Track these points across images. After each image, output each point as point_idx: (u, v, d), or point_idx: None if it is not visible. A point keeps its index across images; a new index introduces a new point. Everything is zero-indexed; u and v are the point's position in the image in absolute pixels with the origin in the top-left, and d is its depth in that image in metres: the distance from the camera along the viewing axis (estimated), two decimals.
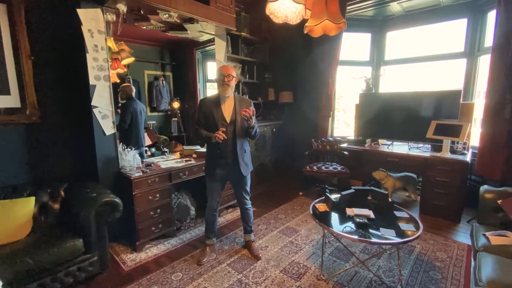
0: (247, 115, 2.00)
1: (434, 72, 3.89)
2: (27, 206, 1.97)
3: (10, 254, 1.66)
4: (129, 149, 2.54)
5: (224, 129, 2.04)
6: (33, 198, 2.03)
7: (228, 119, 2.13)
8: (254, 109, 2.24)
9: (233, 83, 2.12)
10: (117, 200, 2.03)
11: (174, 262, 2.26)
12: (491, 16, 3.20)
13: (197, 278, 2.06)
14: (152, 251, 2.42)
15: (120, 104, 3.65)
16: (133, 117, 3.39)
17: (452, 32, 3.66)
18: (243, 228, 2.48)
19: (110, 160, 2.44)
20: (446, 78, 3.87)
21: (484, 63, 3.28)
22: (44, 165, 2.33)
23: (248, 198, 2.36)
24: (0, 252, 1.66)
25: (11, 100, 2.14)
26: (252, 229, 2.46)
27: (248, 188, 2.33)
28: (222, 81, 2.08)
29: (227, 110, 2.15)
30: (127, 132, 3.41)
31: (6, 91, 2.12)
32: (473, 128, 3.26)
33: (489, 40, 3.17)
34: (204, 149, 3.07)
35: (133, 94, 3.47)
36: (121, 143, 3.18)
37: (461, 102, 3.08)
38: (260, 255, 2.34)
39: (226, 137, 2.02)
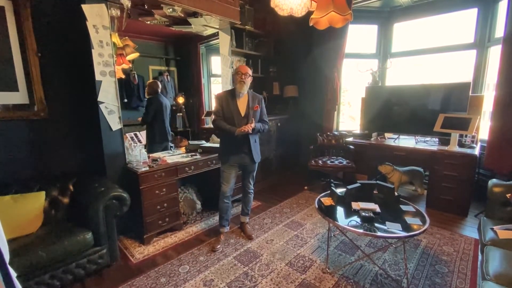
0: (245, 130, 2.21)
1: (443, 64, 3.82)
2: (37, 200, 2.02)
3: (23, 247, 1.70)
4: (135, 144, 2.56)
5: (253, 124, 2.25)
6: (43, 193, 2.07)
7: (242, 113, 2.34)
8: (264, 105, 2.48)
9: (248, 81, 2.33)
10: (125, 194, 2.06)
11: (181, 255, 2.30)
12: (503, 5, 3.10)
13: (204, 270, 2.09)
14: (160, 244, 2.47)
15: (146, 99, 3.78)
16: (157, 111, 3.50)
17: (462, 23, 3.57)
18: (241, 210, 2.70)
19: (117, 155, 2.48)
20: (455, 70, 3.79)
21: (495, 54, 3.19)
22: (53, 160, 2.37)
23: (252, 183, 2.60)
24: (13, 245, 1.71)
25: (19, 97, 2.17)
26: (249, 213, 2.70)
27: (254, 175, 2.59)
28: (240, 78, 2.28)
29: (242, 104, 2.35)
30: (153, 126, 3.53)
31: (14, 88, 2.15)
32: (482, 121, 3.19)
33: (500, 30, 3.08)
34: (209, 144, 3.09)
35: (159, 90, 3.58)
36: (148, 137, 3.27)
37: (470, 94, 3.02)
38: (253, 235, 2.57)
39: (250, 130, 2.22)
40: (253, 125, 2.25)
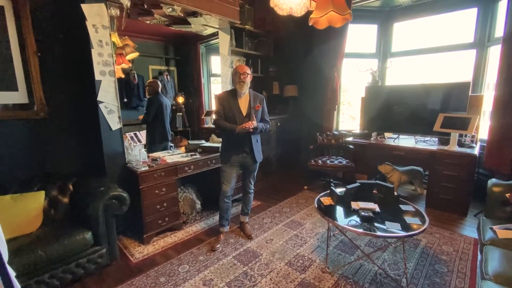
0: (246, 127, 2.20)
1: (443, 63, 3.81)
2: (37, 200, 2.02)
3: (23, 246, 1.71)
4: (135, 144, 2.57)
5: (254, 122, 2.24)
6: (43, 192, 2.07)
7: (244, 113, 2.33)
8: (265, 105, 2.48)
9: (248, 79, 2.31)
10: (124, 194, 2.07)
11: (181, 254, 2.30)
12: (502, 5, 3.10)
13: (204, 270, 2.10)
14: (159, 243, 2.47)
15: (147, 99, 3.77)
16: (158, 111, 3.50)
17: (462, 22, 3.56)
18: (241, 210, 2.71)
19: (117, 155, 2.48)
20: (454, 69, 3.79)
21: (494, 54, 3.19)
22: (52, 160, 2.37)
23: (252, 183, 2.60)
24: (13, 244, 1.71)
25: (19, 96, 2.18)
26: (249, 212, 2.70)
27: (255, 174, 2.57)
28: (239, 79, 2.27)
29: (243, 104, 2.35)
30: (153, 126, 3.53)
31: (14, 87, 2.15)
32: (482, 121, 3.19)
33: (499, 30, 3.08)
34: (209, 144, 3.09)
35: (160, 90, 3.58)
36: (148, 137, 3.25)
37: (470, 94, 3.02)
38: (253, 235, 2.57)
39: (252, 128, 2.20)
40: (254, 123, 2.23)
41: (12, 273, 0.77)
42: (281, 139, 4.28)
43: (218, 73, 4.22)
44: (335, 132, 3.94)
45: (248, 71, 2.30)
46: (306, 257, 2.24)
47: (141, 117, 3.69)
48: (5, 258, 0.77)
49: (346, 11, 1.81)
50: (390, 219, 1.93)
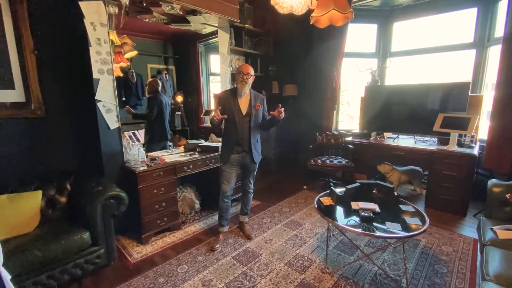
0: (279, 116, 2.25)
1: (442, 63, 3.81)
2: (34, 199, 1.99)
3: (19, 246, 1.68)
4: (133, 143, 2.55)
5: (218, 112, 2.22)
6: (40, 192, 2.05)
7: (244, 112, 2.32)
8: (266, 105, 2.49)
9: (250, 80, 2.30)
10: (123, 194, 2.05)
11: (180, 254, 2.29)
12: (502, 5, 3.10)
13: (203, 270, 2.08)
14: (158, 243, 2.45)
15: (147, 98, 3.76)
16: (158, 110, 3.48)
17: (461, 22, 3.56)
18: (240, 209, 2.69)
19: (115, 154, 2.45)
20: (454, 69, 3.79)
21: (494, 54, 3.19)
22: (50, 159, 2.34)
23: (252, 183, 2.58)
24: (9, 245, 1.69)
25: (16, 95, 2.15)
26: (248, 212, 2.69)
27: (254, 174, 2.56)
28: (241, 78, 2.26)
29: (244, 103, 2.34)
30: (152, 125, 3.51)
31: (11, 86, 2.12)
32: (482, 121, 3.19)
33: (499, 30, 3.08)
34: (208, 143, 3.07)
35: (159, 88, 3.56)
36: (147, 136, 3.23)
37: (469, 94, 3.02)
38: (252, 235, 2.55)
39: (220, 116, 2.20)
40: (281, 113, 2.24)
41: (7, 275, 0.75)
42: (281, 139, 4.27)
43: (217, 72, 4.20)
44: (335, 132, 3.93)
45: (252, 72, 2.29)
46: (306, 257, 2.23)
47: (128, 108, 3.68)
48: (0, 260, 0.75)
49: (347, 9, 1.80)
50: (390, 219, 1.93)
